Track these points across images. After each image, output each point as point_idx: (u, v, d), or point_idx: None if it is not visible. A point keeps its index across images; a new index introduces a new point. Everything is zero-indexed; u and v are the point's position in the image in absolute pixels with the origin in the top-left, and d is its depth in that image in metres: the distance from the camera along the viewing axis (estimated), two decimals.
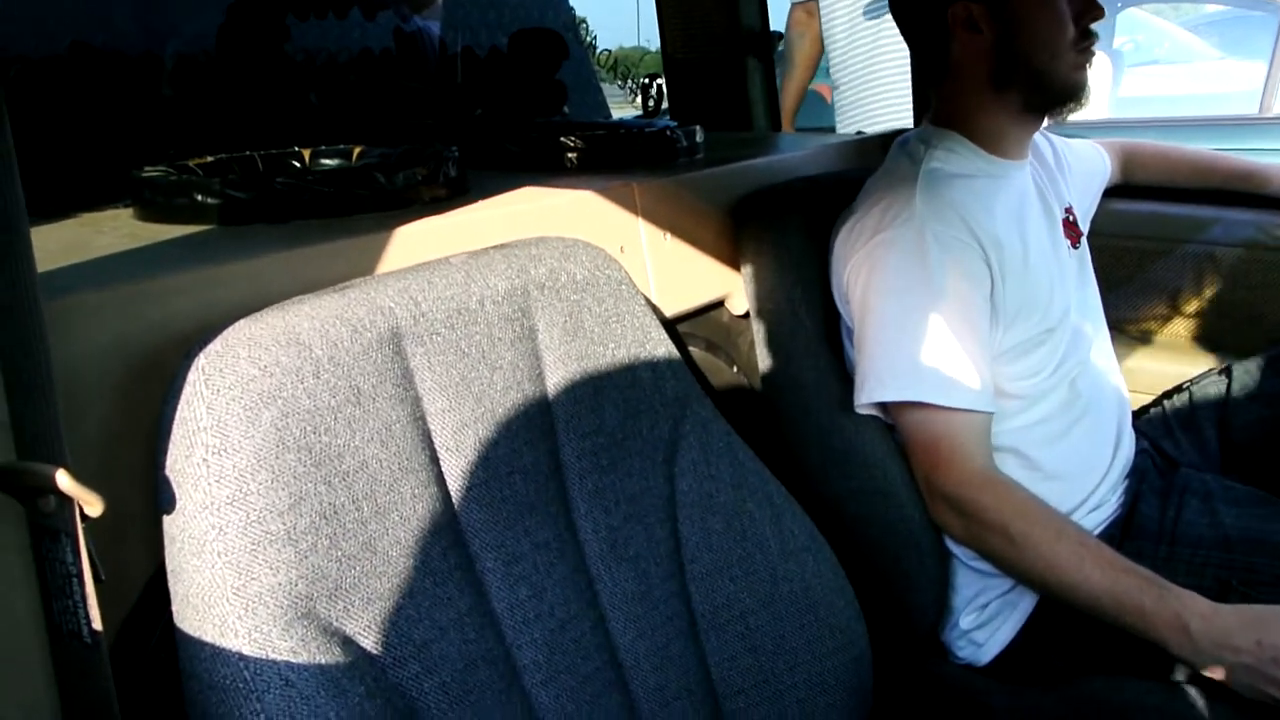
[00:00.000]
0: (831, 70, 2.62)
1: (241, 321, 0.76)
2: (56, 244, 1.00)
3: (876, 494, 1.18)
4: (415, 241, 0.97)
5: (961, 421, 1.12)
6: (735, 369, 1.36)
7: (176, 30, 1.41)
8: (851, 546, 1.16)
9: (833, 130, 2.65)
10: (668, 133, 1.39)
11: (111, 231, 1.03)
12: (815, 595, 1.01)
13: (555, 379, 0.92)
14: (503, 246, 0.94)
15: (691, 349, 1.30)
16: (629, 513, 0.95)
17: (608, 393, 0.96)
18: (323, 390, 0.76)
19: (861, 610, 1.05)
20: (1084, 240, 1.35)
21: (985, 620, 1.20)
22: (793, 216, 1.29)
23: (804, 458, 1.21)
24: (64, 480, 0.64)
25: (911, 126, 2.20)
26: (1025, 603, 1.18)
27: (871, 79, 2.51)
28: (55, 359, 0.72)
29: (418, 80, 1.60)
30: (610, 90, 2.51)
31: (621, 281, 0.99)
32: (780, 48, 2.82)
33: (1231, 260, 1.51)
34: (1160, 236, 1.57)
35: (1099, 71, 3.03)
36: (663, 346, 1.01)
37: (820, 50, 2.67)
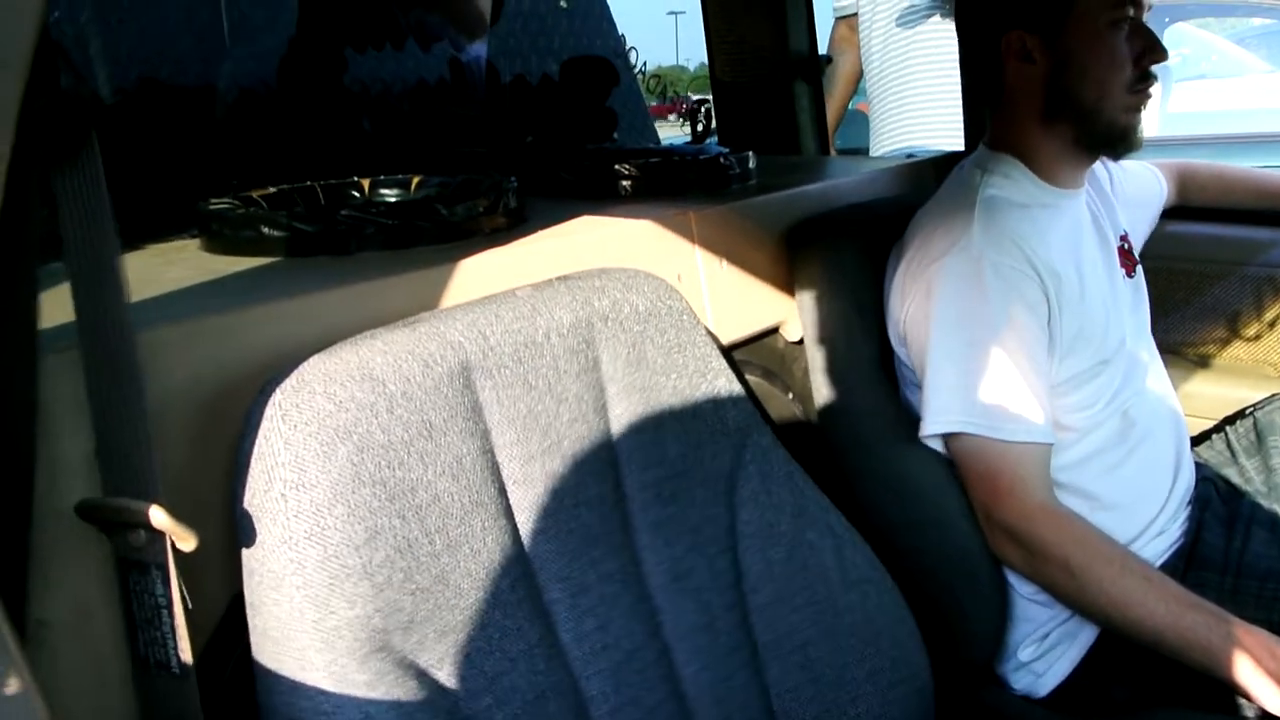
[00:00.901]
0: (867, 86, 2.62)
1: (316, 357, 0.77)
2: (130, 276, 1.01)
3: (933, 524, 1.17)
4: (478, 273, 0.98)
5: (1021, 453, 1.11)
6: (790, 396, 1.35)
7: (234, 63, 1.44)
8: (908, 577, 1.15)
9: (867, 151, 2.64)
10: (721, 159, 1.40)
11: (181, 264, 1.05)
12: (878, 626, 1.01)
13: (618, 410, 0.93)
14: (566, 278, 0.95)
15: (748, 376, 1.29)
16: (691, 543, 0.95)
17: (670, 424, 0.96)
18: (396, 425, 0.77)
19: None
20: (1139, 268, 1.34)
21: (1044, 651, 1.19)
22: (847, 243, 1.29)
23: (860, 487, 1.21)
24: (158, 516, 0.65)
25: (930, 147, 2.20)
26: (1085, 634, 1.16)
27: (901, 94, 2.50)
28: None
29: (470, 107, 1.62)
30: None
31: (683, 312, 1.00)
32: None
33: None
34: (1218, 259, 1.55)
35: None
36: (723, 376, 1.01)
37: (861, 67, 2.66)
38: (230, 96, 1.45)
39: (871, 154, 2.61)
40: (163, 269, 1.03)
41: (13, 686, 0.55)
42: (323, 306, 0.87)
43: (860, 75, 2.69)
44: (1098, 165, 1.38)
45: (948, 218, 1.19)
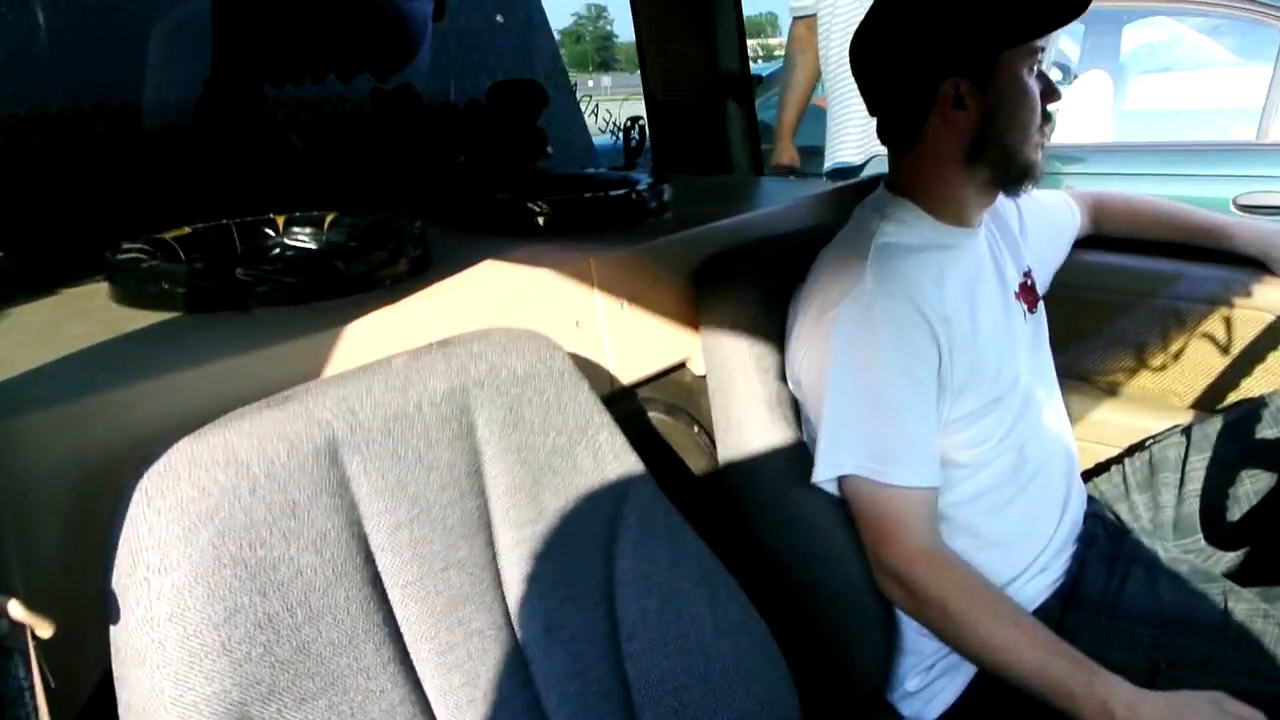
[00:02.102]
0: (825, 88, 2.63)
1: (184, 441, 0.81)
2: (28, 333, 1.05)
3: (824, 561, 1.21)
4: (371, 332, 1.02)
5: (907, 498, 1.15)
6: (696, 429, 1.39)
7: (156, 92, 1.47)
8: (798, 610, 1.21)
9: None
10: (633, 196, 1.43)
11: (85, 316, 1.08)
12: (747, 669, 1.05)
13: (494, 472, 0.97)
14: (445, 344, 0.99)
15: (651, 413, 1.33)
16: (565, 595, 1.00)
17: (547, 481, 1.00)
18: (259, 505, 0.81)
19: (805, 674, 1.09)
20: (1041, 305, 1.37)
21: (930, 681, 1.23)
22: (752, 282, 1.32)
23: (756, 522, 1.25)
24: (15, 609, 0.69)
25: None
26: (967, 667, 1.21)
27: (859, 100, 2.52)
28: (7, 480, 0.78)
29: (400, 132, 1.65)
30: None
31: (564, 371, 1.04)
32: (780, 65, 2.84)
33: (1196, 316, 1.53)
34: (1128, 290, 1.59)
35: (1099, 91, 3.01)
36: (605, 431, 1.05)
37: (819, 68, 2.68)
38: (154, 126, 1.48)
39: (827, 155, 2.63)
40: (65, 322, 1.07)
41: None
42: (205, 381, 0.91)
43: (818, 76, 2.70)
44: (1006, 201, 1.41)
45: (844, 265, 1.22)
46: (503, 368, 0.99)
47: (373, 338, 1.02)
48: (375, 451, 0.89)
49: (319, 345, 0.99)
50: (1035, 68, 1.22)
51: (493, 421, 0.97)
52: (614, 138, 1.87)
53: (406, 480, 0.90)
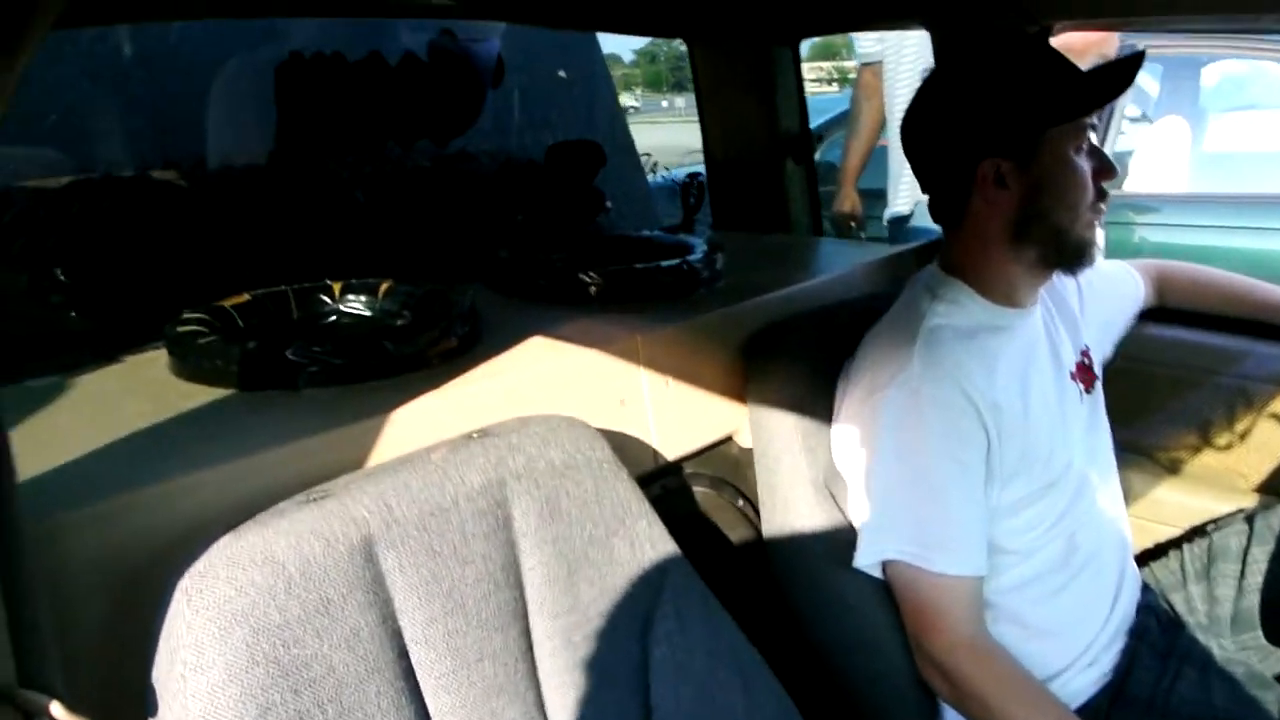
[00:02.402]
0: (889, 132, 2.63)
1: (225, 539, 0.83)
2: (89, 408, 1.09)
3: (865, 645, 1.20)
4: (415, 419, 1.04)
5: (950, 587, 1.13)
6: (742, 502, 1.39)
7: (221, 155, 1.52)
8: (837, 694, 1.20)
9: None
10: (684, 267, 1.43)
11: (143, 390, 1.12)
12: None
13: (529, 563, 0.98)
14: (485, 433, 1.00)
15: (695, 488, 1.33)
16: (600, 684, 1.00)
17: (583, 571, 1.01)
18: (293, 604, 0.83)
19: None
20: (1098, 385, 1.34)
21: None
22: (801, 357, 1.31)
23: (796, 602, 1.24)
24: (57, 710, 0.72)
25: None
26: None
27: None
28: (50, 575, 0.81)
29: (459, 192, 1.67)
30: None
31: (603, 460, 1.04)
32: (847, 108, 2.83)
33: (1264, 396, 1.48)
34: (1194, 365, 1.54)
35: (1176, 137, 2.93)
36: (643, 519, 1.05)
37: (884, 114, 2.67)
38: (220, 188, 1.52)
39: (889, 202, 2.61)
40: (122, 398, 1.10)
41: None
42: (248, 472, 0.93)
43: (883, 121, 2.69)
44: (1067, 279, 1.38)
45: (893, 347, 1.21)
46: (541, 459, 1.00)
47: (417, 422, 1.04)
48: (410, 548, 0.90)
49: (363, 432, 1.01)
50: (1085, 145, 1.19)
51: (529, 514, 0.98)
52: (672, 188, 1.87)
53: (441, 575, 0.92)
